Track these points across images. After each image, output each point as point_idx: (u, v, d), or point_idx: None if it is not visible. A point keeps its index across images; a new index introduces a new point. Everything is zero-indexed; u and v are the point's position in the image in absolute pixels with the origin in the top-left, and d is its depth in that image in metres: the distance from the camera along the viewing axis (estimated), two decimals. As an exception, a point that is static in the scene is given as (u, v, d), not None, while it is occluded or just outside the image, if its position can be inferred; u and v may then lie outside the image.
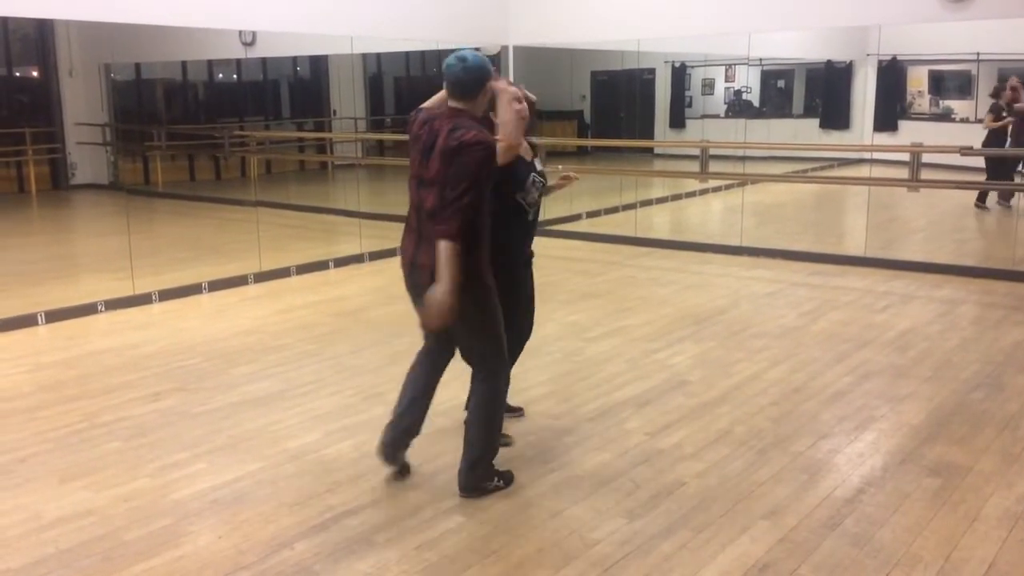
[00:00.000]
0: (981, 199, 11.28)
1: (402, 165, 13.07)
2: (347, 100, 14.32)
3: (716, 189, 13.20)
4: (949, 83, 14.57)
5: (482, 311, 3.55)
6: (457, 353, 3.82)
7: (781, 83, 16.82)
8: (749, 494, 3.70)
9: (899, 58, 13.78)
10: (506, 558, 3.23)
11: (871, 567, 3.14)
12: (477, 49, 3.65)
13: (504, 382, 3.74)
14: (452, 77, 3.49)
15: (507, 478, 3.80)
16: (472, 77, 3.48)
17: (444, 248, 3.29)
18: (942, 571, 3.12)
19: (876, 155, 12.79)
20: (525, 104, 3.57)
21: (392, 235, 10.39)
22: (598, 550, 3.27)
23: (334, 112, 14.68)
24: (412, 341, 4.40)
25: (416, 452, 4.19)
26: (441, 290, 3.28)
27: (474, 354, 3.71)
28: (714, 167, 10.27)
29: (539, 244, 4.30)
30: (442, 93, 3.65)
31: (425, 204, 3.47)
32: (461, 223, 3.31)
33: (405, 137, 3.78)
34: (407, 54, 14.85)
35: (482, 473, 3.72)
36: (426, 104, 3.74)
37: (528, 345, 5.29)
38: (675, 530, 3.41)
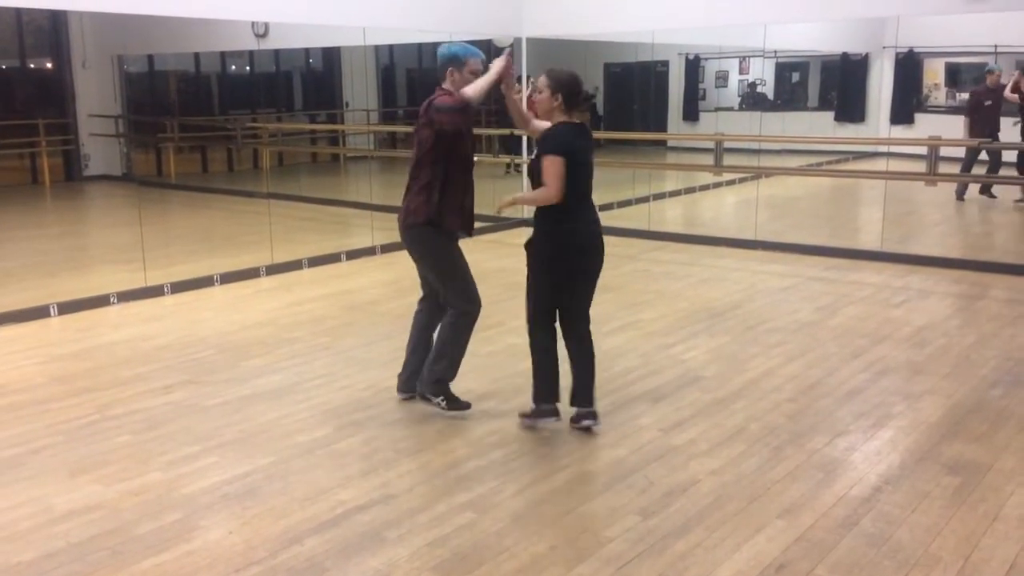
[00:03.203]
0: (985, 190, 11.19)
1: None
2: (359, 92, 14.30)
3: (730, 182, 13.10)
4: (966, 75, 14.43)
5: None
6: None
7: (796, 75, 16.70)
8: (764, 492, 3.66)
9: (916, 50, 13.65)
10: (519, 555, 3.19)
11: (889, 567, 3.09)
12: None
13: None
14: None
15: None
16: (439, 64, 4.35)
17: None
18: (962, 572, 3.07)
19: (893, 148, 12.67)
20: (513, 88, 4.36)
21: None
22: (612, 548, 3.23)
23: (346, 104, 14.67)
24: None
25: (424, 448, 4.16)
26: None
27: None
28: (728, 160, 10.18)
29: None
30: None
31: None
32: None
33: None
34: (419, 46, 14.80)
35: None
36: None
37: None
38: (690, 528, 3.37)
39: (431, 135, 4.24)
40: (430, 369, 4.49)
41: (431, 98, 4.28)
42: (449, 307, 4.46)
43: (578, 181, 4.15)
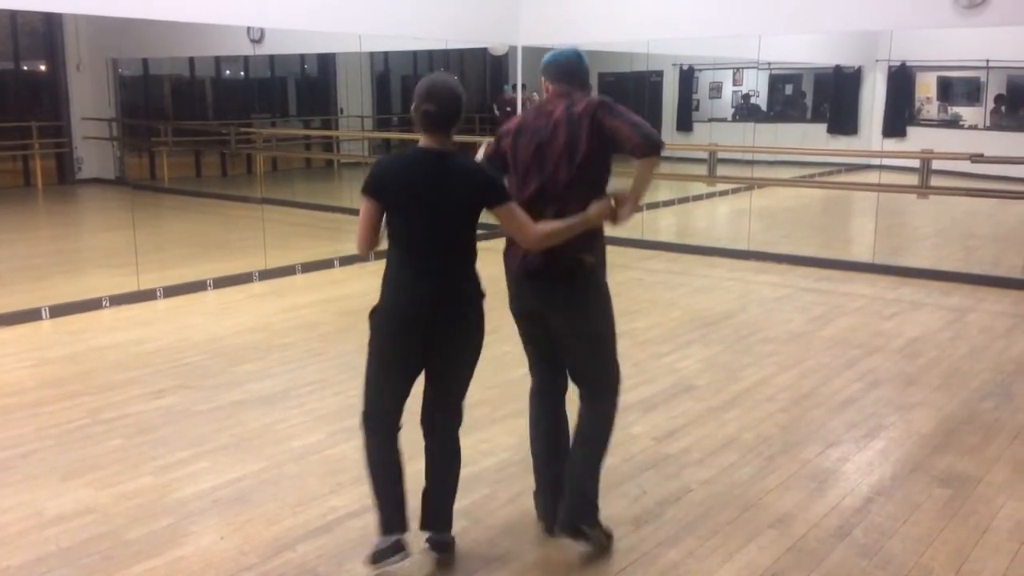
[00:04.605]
0: None
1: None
2: (354, 98, 14.29)
3: (723, 193, 13.14)
4: (958, 89, 14.53)
5: None
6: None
7: (789, 87, 16.78)
8: (757, 502, 3.66)
9: (908, 64, 13.73)
10: (510, 564, 3.19)
11: (881, 578, 3.10)
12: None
13: None
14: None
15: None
16: (573, 68, 3.30)
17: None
18: (953, 583, 3.08)
19: (885, 161, 12.72)
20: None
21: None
22: (604, 557, 3.23)
23: (341, 110, 14.66)
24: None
25: (416, 455, 4.15)
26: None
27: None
28: (721, 171, 10.22)
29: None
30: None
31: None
32: None
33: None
34: (415, 53, 14.84)
35: None
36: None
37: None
38: (682, 537, 3.37)
39: (599, 144, 3.25)
40: None
41: (574, 103, 3.23)
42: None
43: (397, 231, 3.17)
